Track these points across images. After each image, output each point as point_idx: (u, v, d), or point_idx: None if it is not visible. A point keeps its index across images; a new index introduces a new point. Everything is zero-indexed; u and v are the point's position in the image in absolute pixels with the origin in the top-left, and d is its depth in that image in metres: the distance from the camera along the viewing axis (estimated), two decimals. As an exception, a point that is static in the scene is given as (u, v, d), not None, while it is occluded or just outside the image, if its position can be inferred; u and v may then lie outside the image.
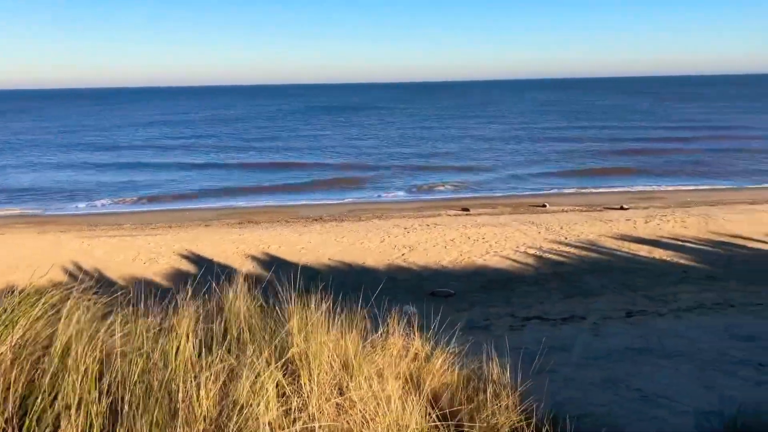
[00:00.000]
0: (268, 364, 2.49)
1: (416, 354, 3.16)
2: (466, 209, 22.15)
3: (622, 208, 20.33)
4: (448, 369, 3.09)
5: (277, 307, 3.19)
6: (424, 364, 3.04)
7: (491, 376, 3.16)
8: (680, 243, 14.62)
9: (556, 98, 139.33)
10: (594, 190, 27.55)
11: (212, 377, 2.39)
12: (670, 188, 27.65)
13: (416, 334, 3.33)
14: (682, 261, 13.31)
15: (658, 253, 13.85)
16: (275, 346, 2.71)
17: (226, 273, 3.93)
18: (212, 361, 2.51)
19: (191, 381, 2.34)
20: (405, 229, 17.32)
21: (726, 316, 9.89)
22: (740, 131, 50.71)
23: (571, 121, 67.86)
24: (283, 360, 2.65)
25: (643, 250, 14.12)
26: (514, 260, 13.84)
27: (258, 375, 2.39)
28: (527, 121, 70.36)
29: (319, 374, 2.58)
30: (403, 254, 14.67)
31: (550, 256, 14.04)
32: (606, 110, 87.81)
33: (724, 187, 27.92)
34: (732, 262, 13.15)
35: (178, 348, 2.52)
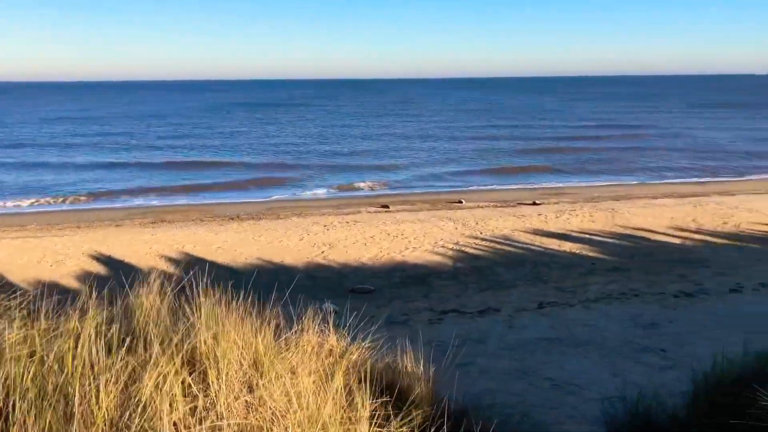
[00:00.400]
0: (174, 363, 2.41)
1: (331, 350, 3.14)
2: (385, 206, 22.28)
3: (534, 204, 21.00)
4: (363, 364, 3.09)
5: (187, 307, 3.10)
6: (339, 359, 3.02)
7: (406, 369, 3.18)
8: (588, 236, 15.25)
9: (472, 97, 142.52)
10: (508, 187, 28.36)
11: (113, 378, 2.28)
12: (579, 184, 28.81)
13: (332, 330, 3.31)
14: (590, 254, 13.88)
15: (568, 246, 14.40)
16: (183, 346, 2.63)
17: (138, 273, 3.78)
18: (113, 362, 2.41)
19: (90, 383, 2.23)
20: (325, 226, 17.26)
21: (631, 306, 10.39)
22: (643, 130, 53.46)
23: (486, 120, 69.54)
24: (191, 359, 2.58)
25: (554, 244, 14.64)
26: (433, 256, 14.04)
27: (163, 374, 2.31)
28: (444, 119, 71.57)
29: (227, 373, 2.52)
30: (322, 252, 14.60)
31: (466, 250, 14.32)
32: (518, 109, 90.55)
33: (628, 183, 29.36)
34: (636, 254, 13.83)
35: (75, 350, 2.40)
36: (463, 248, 14.50)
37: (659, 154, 38.55)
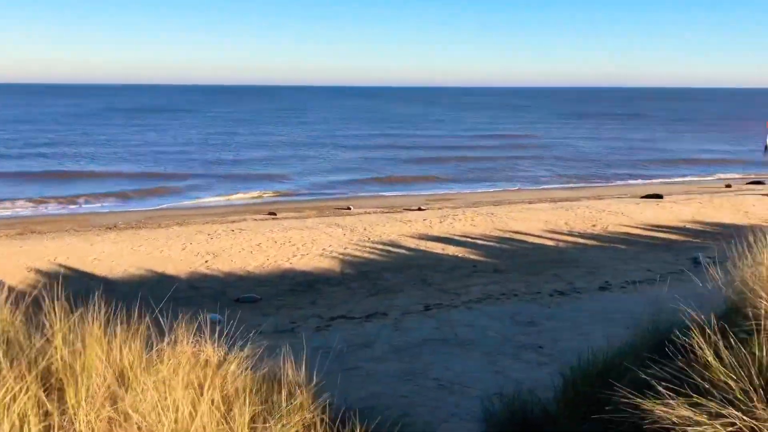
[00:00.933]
0: (25, 380, 2.23)
1: (207, 360, 3.04)
2: (272, 213, 21.98)
3: (419, 209, 21.46)
4: (242, 373, 3.01)
5: (48, 322, 2.89)
6: (216, 369, 2.93)
7: (287, 376, 3.14)
8: (470, 240, 15.76)
9: (360, 106, 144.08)
10: (395, 193, 28.90)
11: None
12: (462, 191, 29.82)
13: (209, 340, 3.20)
14: (472, 256, 14.36)
15: (451, 250, 14.81)
16: (36, 361, 2.44)
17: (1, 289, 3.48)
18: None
19: None
20: (209, 235, 16.76)
21: (510, 305, 10.83)
22: (522, 139, 56.18)
23: (375, 128, 70.43)
24: (46, 375, 2.40)
25: (438, 248, 15.02)
26: (321, 262, 14.00)
27: (11, 392, 2.13)
28: (333, 127, 71.74)
29: (88, 388, 2.36)
30: (206, 261, 14.18)
31: (354, 256, 14.39)
32: (405, 118, 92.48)
33: (508, 188, 30.72)
34: (515, 256, 14.45)
35: None
36: (351, 254, 14.55)
37: (536, 162, 40.62)
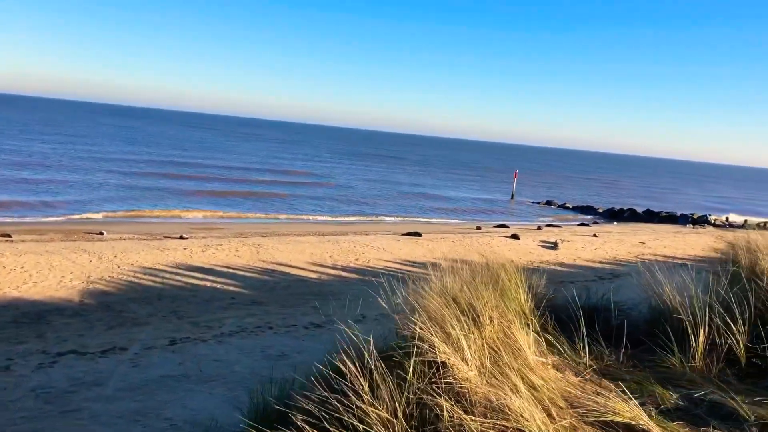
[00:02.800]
0: None
1: None
2: (7, 235, 19.30)
3: (181, 237, 20.32)
4: None
5: None
6: None
7: None
8: (232, 270, 15.18)
9: (122, 125, 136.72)
10: (156, 220, 27.23)
11: None
12: (229, 221, 29.09)
13: None
14: (232, 288, 13.79)
15: (210, 281, 14.11)
16: None
17: None
18: None
19: None
20: None
21: (264, 338, 10.48)
22: (297, 176, 56.80)
23: (139, 151, 66.52)
24: None
25: (196, 278, 14.21)
26: (57, 291, 12.45)
27: None
28: (90, 146, 66.35)
29: None
30: None
31: (98, 285, 13.03)
32: (175, 143, 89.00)
33: (278, 221, 30.63)
34: (276, 288, 14.16)
35: None
36: (94, 283, 13.16)
37: (308, 196, 41.19)
